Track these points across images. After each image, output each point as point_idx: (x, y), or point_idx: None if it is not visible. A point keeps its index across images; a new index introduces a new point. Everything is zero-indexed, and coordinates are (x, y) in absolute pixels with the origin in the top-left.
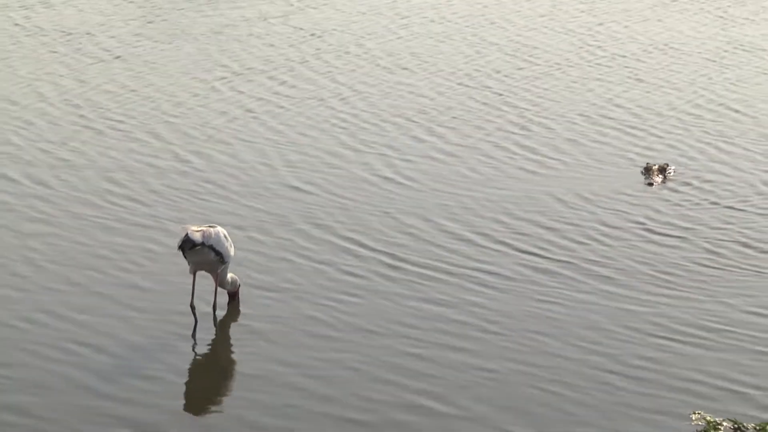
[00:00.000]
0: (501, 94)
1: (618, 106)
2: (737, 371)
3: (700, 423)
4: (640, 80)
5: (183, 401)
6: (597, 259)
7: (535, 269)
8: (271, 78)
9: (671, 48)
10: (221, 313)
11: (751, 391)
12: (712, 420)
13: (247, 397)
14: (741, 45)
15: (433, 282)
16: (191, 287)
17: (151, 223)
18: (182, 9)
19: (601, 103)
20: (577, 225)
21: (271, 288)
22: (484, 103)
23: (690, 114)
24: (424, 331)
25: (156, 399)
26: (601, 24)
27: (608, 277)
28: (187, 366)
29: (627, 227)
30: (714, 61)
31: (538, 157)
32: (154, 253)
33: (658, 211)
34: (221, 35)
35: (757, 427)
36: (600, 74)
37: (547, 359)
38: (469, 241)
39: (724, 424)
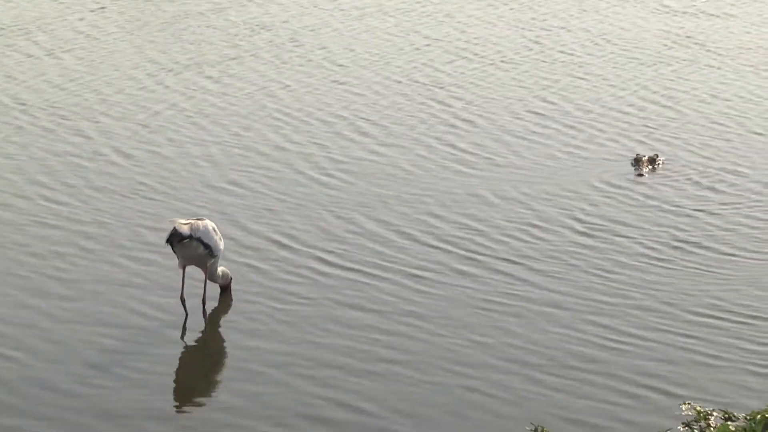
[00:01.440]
0: (438, 90)
1: (558, 101)
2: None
3: (690, 413)
4: (583, 76)
5: (171, 394)
6: (536, 256)
7: (474, 268)
8: (201, 73)
9: (612, 42)
10: (211, 306)
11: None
12: (702, 410)
13: (235, 390)
14: (687, 37)
15: (368, 281)
16: (181, 280)
17: (88, 219)
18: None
19: (541, 98)
20: (511, 222)
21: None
22: (420, 101)
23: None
24: (357, 331)
25: (144, 392)
26: (544, 19)
27: (544, 275)
28: (177, 359)
29: (559, 224)
30: (654, 56)
31: (470, 155)
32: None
33: (589, 207)
34: (166, 29)
35: (748, 417)
36: (543, 69)
37: (481, 360)
38: (403, 240)
39: (714, 414)
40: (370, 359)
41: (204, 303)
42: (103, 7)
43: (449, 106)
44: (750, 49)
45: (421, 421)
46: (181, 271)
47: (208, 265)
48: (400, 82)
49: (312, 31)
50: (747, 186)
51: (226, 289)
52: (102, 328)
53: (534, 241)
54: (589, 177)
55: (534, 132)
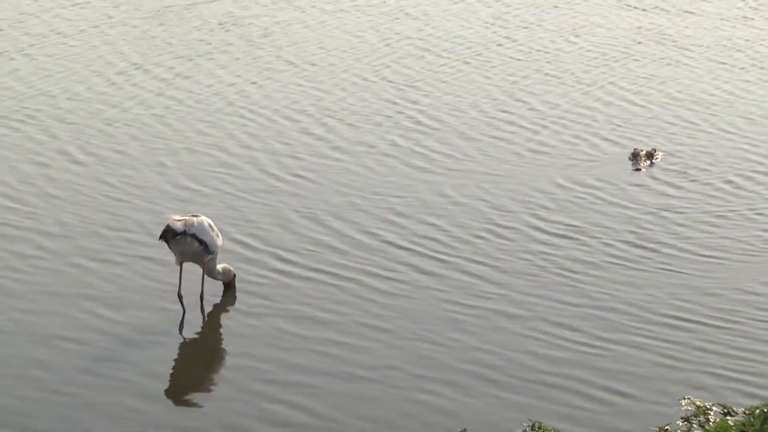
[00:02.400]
0: (407, 88)
1: (527, 98)
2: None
3: (689, 408)
4: (552, 73)
5: (168, 391)
6: (485, 258)
7: (439, 269)
8: (171, 70)
9: (582, 38)
10: (208, 303)
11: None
12: (701, 405)
13: (232, 388)
14: (659, 33)
15: (332, 281)
16: (178, 277)
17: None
18: None
19: (509, 96)
20: (476, 222)
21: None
22: (388, 99)
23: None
24: (319, 333)
25: (142, 389)
26: (516, 15)
27: (509, 276)
28: (174, 356)
29: (525, 224)
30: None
31: (437, 154)
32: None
33: (548, 210)
34: (138, 26)
35: (747, 411)
36: (512, 66)
37: (444, 363)
38: (368, 240)
39: (714, 409)
40: (331, 362)
41: (202, 300)
42: (75, 4)
43: (417, 104)
44: (722, 45)
45: (381, 426)
46: (178, 268)
47: (205, 261)
48: (366, 79)
49: (284, 27)
50: (713, 183)
51: (229, 286)
52: (100, 323)
53: (499, 241)
54: (555, 176)
55: (501, 130)
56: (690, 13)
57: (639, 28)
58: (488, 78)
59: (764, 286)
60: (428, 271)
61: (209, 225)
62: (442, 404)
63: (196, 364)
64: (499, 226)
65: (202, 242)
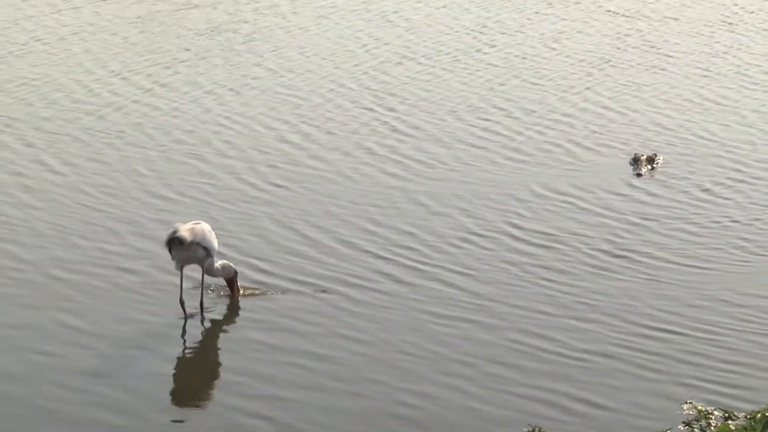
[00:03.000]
0: (385, 95)
1: (505, 105)
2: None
3: (691, 412)
4: (529, 80)
5: (140, 406)
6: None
7: (413, 277)
8: (150, 77)
9: (562, 44)
10: (210, 308)
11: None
12: (703, 409)
13: (207, 401)
14: (641, 40)
15: (306, 290)
16: (179, 283)
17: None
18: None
19: (488, 102)
20: (452, 230)
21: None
22: (367, 106)
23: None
24: (296, 343)
25: (114, 402)
26: (498, 20)
27: (484, 284)
28: (147, 369)
29: (499, 232)
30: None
31: (414, 162)
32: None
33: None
34: (119, 33)
35: (748, 416)
36: (491, 72)
37: (416, 372)
38: (343, 249)
39: (715, 413)
40: (307, 375)
41: (202, 307)
42: (58, 11)
43: (395, 111)
44: (703, 52)
45: None
46: (179, 273)
47: (205, 264)
48: (345, 86)
49: (265, 34)
50: (689, 191)
51: (231, 283)
52: (104, 327)
53: (476, 250)
54: (531, 183)
55: (478, 137)
56: (672, 19)
57: (620, 34)
58: (467, 84)
59: (742, 296)
60: (404, 280)
61: (209, 230)
62: (418, 417)
63: (169, 378)
64: (475, 234)
65: (206, 249)
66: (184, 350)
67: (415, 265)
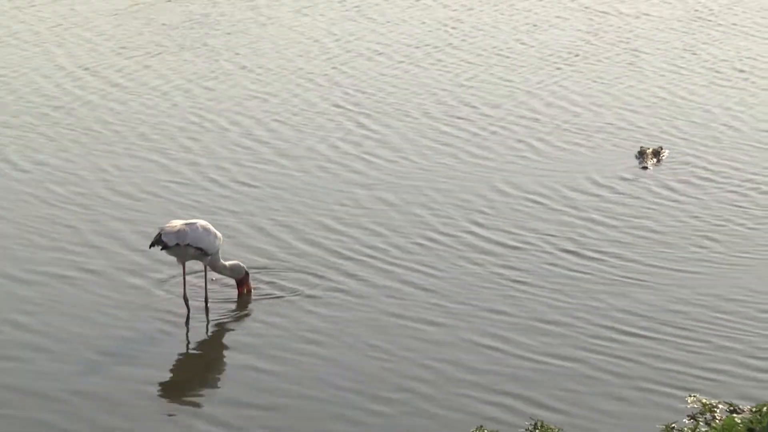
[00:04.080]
0: (355, 93)
1: (474, 102)
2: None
3: (695, 406)
4: (501, 76)
5: (173, 390)
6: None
7: (376, 277)
8: (120, 71)
9: (533, 39)
10: (214, 304)
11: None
12: (707, 402)
13: (235, 388)
14: (614, 36)
15: (267, 292)
16: (182, 278)
17: None
18: None
19: (457, 99)
20: (416, 228)
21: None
22: (336, 103)
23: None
24: (253, 346)
25: (145, 387)
26: (472, 16)
27: (446, 284)
28: (179, 356)
29: (462, 230)
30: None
31: (381, 159)
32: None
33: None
34: (94, 28)
35: (754, 409)
36: (462, 69)
37: (377, 375)
38: (308, 248)
39: (720, 406)
40: (267, 378)
41: (207, 302)
42: (33, 5)
43: (363, 107)
44: (675, 48)
45: None
46: (181, 268)
47: (205, 261)
48: (314, 81)
49: (240, 28)
50: (654, 190)
51: (241, 284)
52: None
53: (440, 249)
54: (497, 181)
55: (446, 134)
56: (646, 15)
57: (592, 30)
58: (437, 80)
59: (703, 297)
60: (367, 280)
61: (205, 228)
62: (374, 422)
63: (121, 380)
64: (440, 233)
65: (198, 249)
66: (146, 354)
67: (378, 264)
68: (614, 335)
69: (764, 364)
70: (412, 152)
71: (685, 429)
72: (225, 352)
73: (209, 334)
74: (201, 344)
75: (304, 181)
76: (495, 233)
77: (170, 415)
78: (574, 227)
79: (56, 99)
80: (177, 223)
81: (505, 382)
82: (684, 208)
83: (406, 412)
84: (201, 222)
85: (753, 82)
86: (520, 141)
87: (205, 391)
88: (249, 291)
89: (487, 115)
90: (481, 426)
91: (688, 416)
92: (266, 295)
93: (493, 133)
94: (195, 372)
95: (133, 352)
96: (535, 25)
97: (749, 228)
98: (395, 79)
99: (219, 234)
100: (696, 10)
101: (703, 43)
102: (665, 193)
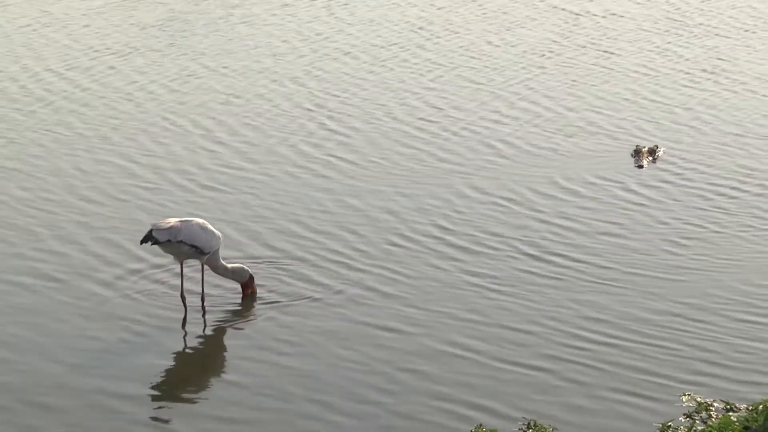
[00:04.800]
0: (321, 93)
1: (440, 105)
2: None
3: (690, 404)
4: (467, 77)
5: (169, 387)
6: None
7: (337, 284)
8: (85, 72)
9: (502, 40)
10: (211, 302)
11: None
12: (703, 401)
13: (231, 387)
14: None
15: (226, 297)
16: (180, 276)
17: None
18: None
19: (423, 102)
20: (379, 231)
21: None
22: (299, 105)
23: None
24: (214, 352)
25: (143, 385)
26: (440, 16)
27: (405, 287)
28: (175, 355)
29: (425, 234)
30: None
31: (343, 162)
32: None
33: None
34: (63, 29)
35: (750, 407)
36: (428, 70)
37: (324, 385)
38: (268, 252)
39: (715, 405)
40: (218, 384)
41: (203, 301)
42: (5, 6)
43: (329, 108)
44: (645, 50)
45: None
46: (179, 266)
47: (203, 260)
48: (279, 82)
49: (211, 28)
50: (614, 192)
51: (246, 287)
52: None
53: (402, 253)
54: (458, 184)
55: (410, 136)
56: (618, 16)
57: (562, 32)
58: (404, 82)
59: (674, 304)
60: (327, 285)
61: (201, 227)
62: (316, 428)
63: (76, 389)
64: (404, 237)
65: (192, 246)
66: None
67: (338, 269)
68: (578, 343)
69: (744, 366)
70: (377, 155)
71: (681, 427)
72: (178, 362)
73: (191, 340)
74: (175, 355)
75: (267, 184)
76: (460, 237)
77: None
78: (538, 231)
79: (18, 101)
80: (171, 221)
81: (465, 391)
82: (642, 211)
83: (361, 420)
84: (198, 220)
85: (722, 85)
86: (483, 143)
87: (164, 404)
88: (254, 293)
89: (453, 118)
90: (481, 425)
91: (684, 415)
92: (227, 303)
93: (455, 134)
94: (150, 383)
95: (91, 361)
96: (509, 29)
97: (715, 231)
98: (362, 80)
99: (218, 233)
100: (666, 11)
101: (676, 45)
102: (625, 195)
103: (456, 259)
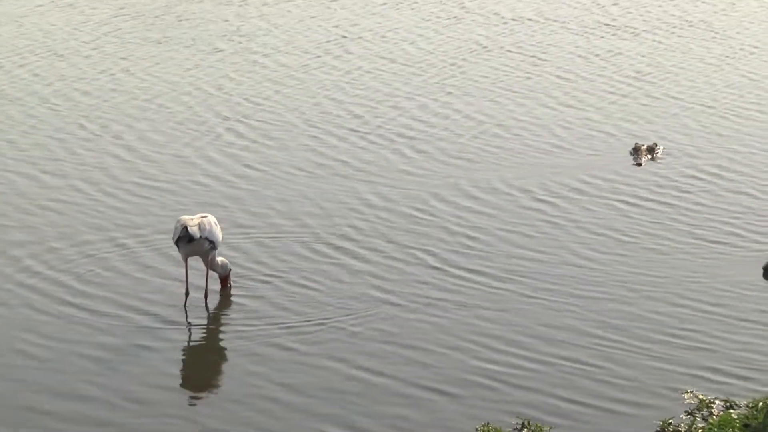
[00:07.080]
0: (242, 101)
1: (360, 112)
2: None
3: (692, 401)
4: (384, 81)
5: (173, 385)
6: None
7: (285, 284)
8: (80, 66)
9: (431, 44)
10: (211, 298)
11: None
12: (704, 398)
13: (235, 384)
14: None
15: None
16: (185, 274)
17: None
18: None
19: (335, 111)
20: (329, 233)
21: None
22: (218, 113)
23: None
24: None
25: (146, 382)
26: (371, 16)
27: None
28: (178, 351)
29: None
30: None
31: (253, 173)
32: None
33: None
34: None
35: (750, 404)
36: (348, 75)
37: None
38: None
39: (716, 402)
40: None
41: (206, 297)
42: None
43: (245, 115)
44: (581, 56)
45: None
46: (184, 264)
47: (211, 256)
48: (202, 89)
49: (139, 35)
50: (551, 201)
51: (225, 282)
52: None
53: (309, 266)
54: (365, 193)
55: (325, 144)
56: (555, 21)
57: (489, 35)
58: (323, 88)
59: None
60: (277, 285)
61: (215, 223)
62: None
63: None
64: (312, 250)
65: (212, 242)
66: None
67: (250, 284)
68: (512, 360)
69: (745, 364)
70: (288, 164)
71: (682, 425)
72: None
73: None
74: (175, 355)
75: (179, 194)
76: (366, 246)
77: None
78: (458, 238)
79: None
80: (195, 217)
81: (376, 408)
82: (592, 215)
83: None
84: (210, 217)
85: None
86: (396, 151)
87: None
88: (229, 287)
89: (371, 125)
90: (487, 423)
91: (685, 412)
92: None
93: (372, 142)
94: (150, 383)
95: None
96: (438, 34)
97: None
98: (282, 86)
99: (220, 231)
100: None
101: (609, 51)
102: (563, 205)
103: (456, 259)
